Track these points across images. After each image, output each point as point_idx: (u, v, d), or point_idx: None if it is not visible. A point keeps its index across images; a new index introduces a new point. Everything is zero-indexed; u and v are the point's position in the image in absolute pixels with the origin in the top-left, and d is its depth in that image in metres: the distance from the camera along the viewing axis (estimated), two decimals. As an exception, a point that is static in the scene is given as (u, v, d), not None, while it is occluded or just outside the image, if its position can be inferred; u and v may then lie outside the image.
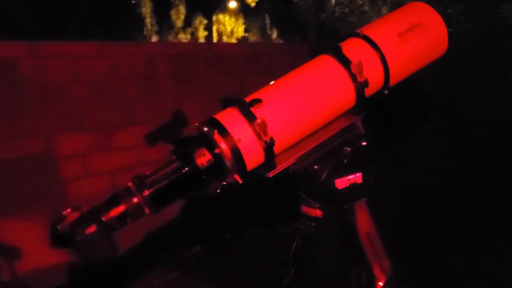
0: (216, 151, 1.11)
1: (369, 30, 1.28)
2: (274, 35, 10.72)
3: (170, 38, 11.70)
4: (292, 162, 1.22)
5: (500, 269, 2.88)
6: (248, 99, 1.17)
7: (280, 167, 1.20)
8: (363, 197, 1.26)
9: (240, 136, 1.11)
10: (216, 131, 1.11)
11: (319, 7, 6.99)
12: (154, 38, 10.19)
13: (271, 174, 1.20)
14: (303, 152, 1.23)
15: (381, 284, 1.31)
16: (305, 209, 1.30)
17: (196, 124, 1.19)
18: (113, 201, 1.08)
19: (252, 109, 1.14)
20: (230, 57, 4.00)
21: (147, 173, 1.13)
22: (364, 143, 1.27)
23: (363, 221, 1.27)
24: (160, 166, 1.14)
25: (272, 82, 1.23)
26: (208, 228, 2.90)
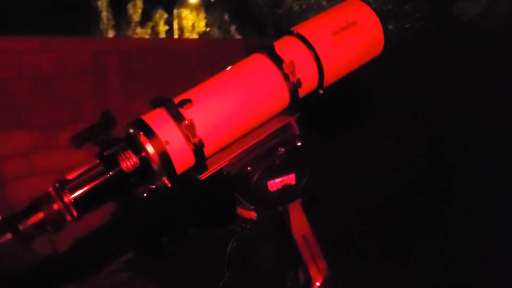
0: (143, 154, 1.07)
1: (304, 28, 1.26)
2: (233, 30, 10.67)
3: (129, 33, 11.47)
4: (225, 164, 1.19)
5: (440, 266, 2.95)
6: (177, 99, 1.14)
7: (212, 169, 1.17)
8: (296, 198, 1.24)
9: (168, 138, 1.07)
10: (141, 133, 1.06)
11: (276, 3, 6.99)
12: (111, 33, 9.95)
13: (202, 176, 1.17)
14: (236, 154, 1.20)
15: (318, 284, 1.30)
16: (240, 210, 1.28)
17: (124, 125, 1.14)
18: (32, 208, 1.02)
19: (181, 109, 1.10)
20: (184, 53, 3.94)
21: (70, 177, 1.07)
22: (299, 144, 1.26)
23: (298, 222, 1.26)
24: (84, 170, 1.09)
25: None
26: (142, 231, 2.85)
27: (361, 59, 1.34)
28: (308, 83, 1.23)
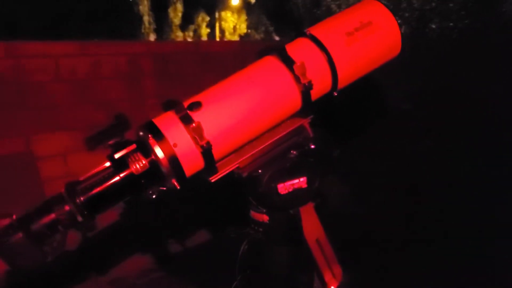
0: (152, 156, 1.08)
1: (317, 29, 1.24)
2: (273, 31, 10.68)
3: (170, 36, 11.70)
4: (235, 166, 1.19)
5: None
6: (188, 102, 1.15)
7: (222, 171, 1.17)
8: (308, 202, 1.22)
9: (176, 140, 1.08)
10: (150, 135, 1.08)
11: (314, 3, 6.94)
12: (152, 36, 10.19)
13: (213, 179, 1.17)
14: (247, 156, 1.19)
15: (332, 290, 1.28)
16: (253, 213, 1.27)
17: (136, 128, 1.16)
18: (45, 209, 1.06)
19: (190, 112, 1.11)
20: (217, 56, 3.96)
21: (81, 179, 1.10)
22: (312, 146, 1.24)
23: (311, 226, 1.24)
24: (95, 172, 1.11)
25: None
26: (154, 234, 2.87)
27: (377, 61, 1.30)
28: (321, 85, 1.21)
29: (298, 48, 1.21)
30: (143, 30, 9.64)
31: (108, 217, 1.10)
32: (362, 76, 1.30)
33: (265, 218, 1.24)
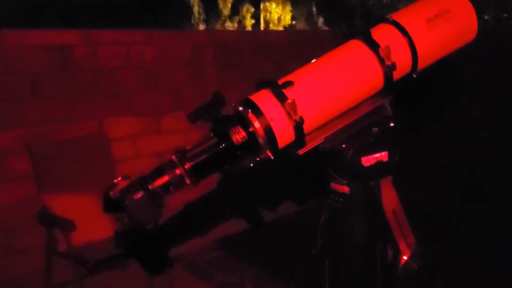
0: (250, 129, 1.21)
1: (399, 16, 1.34)
2: (320, 22, 10.68)
3: (217, 26, 11.87)
4: (321, 141, 1.31)
5: None
6: (280, 81, 1.27)
7: (309, 145, 1.29)
8: (388, 175, 1.33)
9: (272, 115, 1.20)
10: (250, 110, 1.20)
11: (366, -6, 6.96)
12: (202, 27, 10.39)
13: (301, 151, 1.29)
14: (332, 132, 1.31)
15: (405, 258, 1.38)
16: (334, 185, 1.39)
17: (233, 105, 1.29)
18: (158, 172, 1.20)
19: (284, 90, 1.23)
20: (274, 45, 4.09)
21: (188, 148, 1.24)
22: (392, 124, 1.34)
23: (389, 198, 1.34)
24: (200, 142, 1.25)
25: (313, 60, 1.32)
26: (243, 204, 3.02)
27: (454, 45, 1.39)
28: (402, 66, 1.30)
29: (382, 33, 1.31)
30: (193, 21, 9.84)
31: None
32: (439, 59, 1.39)
33: (346, 189, 1.36)
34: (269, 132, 1.20)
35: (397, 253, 1.39)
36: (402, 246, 1.38)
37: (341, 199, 1.37)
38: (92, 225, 2.72)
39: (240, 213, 3.26)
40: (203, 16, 10.32)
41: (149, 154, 3.40)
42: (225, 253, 3.51)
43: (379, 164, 1.30)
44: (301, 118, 1.20)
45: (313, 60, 1.34)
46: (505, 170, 4.17)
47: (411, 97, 1.49)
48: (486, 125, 4.82)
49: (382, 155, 1.30)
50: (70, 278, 2.78)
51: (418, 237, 1.43)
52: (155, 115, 3.38)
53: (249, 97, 1.27)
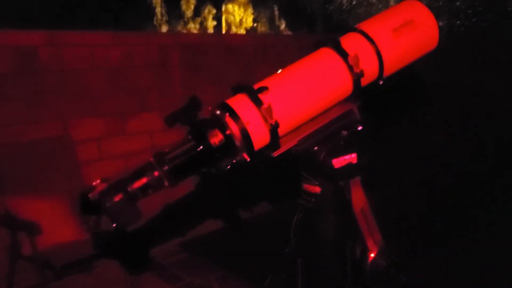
0: (227, 132, 1.25)
1: (366, 26, 1.42)
2: (282, 26, 10.79)
3: (179, 27, 11.80)
4: (294, 144, 1.37)
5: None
6: (256, 86, 1.32)
7: (283, 147, 1.35)
8: (357, 175, 1.40)
9: (249, 119, 1.25)
10: (227, 114, 1.25)
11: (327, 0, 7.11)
12: (164, 28, 10.31)
13: (275, 153, 1.35)
14: (304, 135, 1.37)
15: (373, 255, 1.46)
16: (305, 186, 1.45)
17: (210, 108, 1.33)
18: (137, 174, 1.23)
19: (259, 95, 1.28)
20: (240, 48, 4.14)
21: (166, 150, 1.28)
22: (360, 128, 1.42)
23: (358, 197, 1.42)
24: (178, 145, 1.28)
25: (279, 70, 1.38)
26: (217, 205, 3.06)
27: (417, 53, 1.48)
28: (370, 74, 1.39)
29: (351, 41, 1.39)
30: (155, 22, 9.76)
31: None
32: (404, 66, 1.48)
33: (317, 189, 1.43)
34: (245, 135, 1.25)
35: (365, 251, 1.47)
36: (370, 243, 1.46)
37: (313, 199, 1.44)
38: (58, 228, 2.69)
39: (207, 215, 3.29)
40: (165, 17, 10.25)
41: (115, 156, 3.38)
42: (191, 255, 3.53)
43: (349, 165, 1.37)
44: (276, 122, 1.26)
45: (286, 67, 1.39)
46: (456, 170, 4.38)
47: (378, 102, 1.58)
48: (440, 128, 5.03)
49: (351, 157, 1.37)
50: (36, 282, 2.74)
51: (385, 235, 1.51)
52: (121, 117, 3.37)
53: (225, 101, 1.32)
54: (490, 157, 4.66)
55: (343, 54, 1.35)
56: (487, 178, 4.20)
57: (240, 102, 1.29)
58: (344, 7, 7.22)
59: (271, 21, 12.13)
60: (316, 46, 1.43)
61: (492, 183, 4.08)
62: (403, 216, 3.53)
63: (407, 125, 4.53)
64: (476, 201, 3.88)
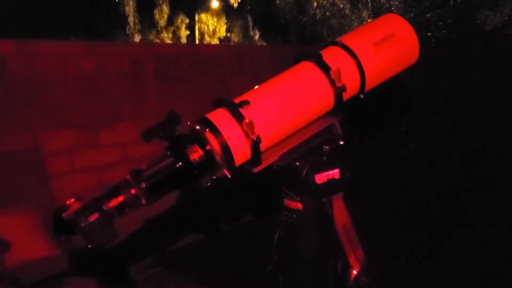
0: (208, 147, 1.21)
1: (347, 39, 1.41)
2: (256, 36, 10.83)
3: (152, 37, 11.73)
4: (276, 159, 1.34)
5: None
6: (236, 100, 1.28)
7: (265, 163, 1.32)
8: (339, 191, 1.38)
9: (230, 134, 1.21)
10: (207, 129, 1.21)
11: (300, 10, 7.15)
12: (137, 37, 10.22)
13: (257, 169, 1.31)
14: (286, 150, 1.34)
15: (355, 272, 1.44)
16: (287, 202, 1.42)
17: (189, 123, 1.29)
18: (113, 192, 1.18)
19: (240, 110, 1.25)
20: (215, 59, 4.10)
21: (144, 167, 1.23)
22: (341, 142, 1.40)
23: (340, 213, 1.40)
24: (156, 161, 1.24)
25: (256, 87, 1.35)
26: (198, 219, 2.99)
27: (398, 67, 1.47)
28: (351, 88, 1.37)
29: (332, 55, 1.37)
30: (128, 31, 9.67)
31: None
32: (385, 80, 1.47)
33: (299, 205, 1.39)
34: (226, 151, 1.22)
35: (348, 267, 1.44)
36: (352, 260, 1.44)
37: (294, 215, 1.41)
38: (27, 245, 2.59)
39: (185, 229, 3.23)
40: (138, 26, 10.16)
41: (86, 169, 3.29)
42: (166, 269, 3.44)
43: (331, 181, 1.35)
44: (258, 137, 1.23)
45: (267, 80, 1.37)
46: (431, 178, 4.44)
47: (358, 115, 1.56)
48: (414, 138, 5.09)
49: (334, 173, 1.35)
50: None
51: (367, 251, 1.49)
52: (92, 128, 3.28)
53: (205, 115, 1.28)
54: (461, 165, 4.74)
55: (325, 68, 1.33)
56: (459, 186, 4.27)
57: (220, 117, 1.25)
58: (317, 18, 7.29)
59: (245, 31, 12.17)
60: (297, 60, 1.40)
61: (464, 191, 4.14)
62: (383, 227, 3.54)
63: (383, 136, 4.58)
64: (453, 211, 3.94)
